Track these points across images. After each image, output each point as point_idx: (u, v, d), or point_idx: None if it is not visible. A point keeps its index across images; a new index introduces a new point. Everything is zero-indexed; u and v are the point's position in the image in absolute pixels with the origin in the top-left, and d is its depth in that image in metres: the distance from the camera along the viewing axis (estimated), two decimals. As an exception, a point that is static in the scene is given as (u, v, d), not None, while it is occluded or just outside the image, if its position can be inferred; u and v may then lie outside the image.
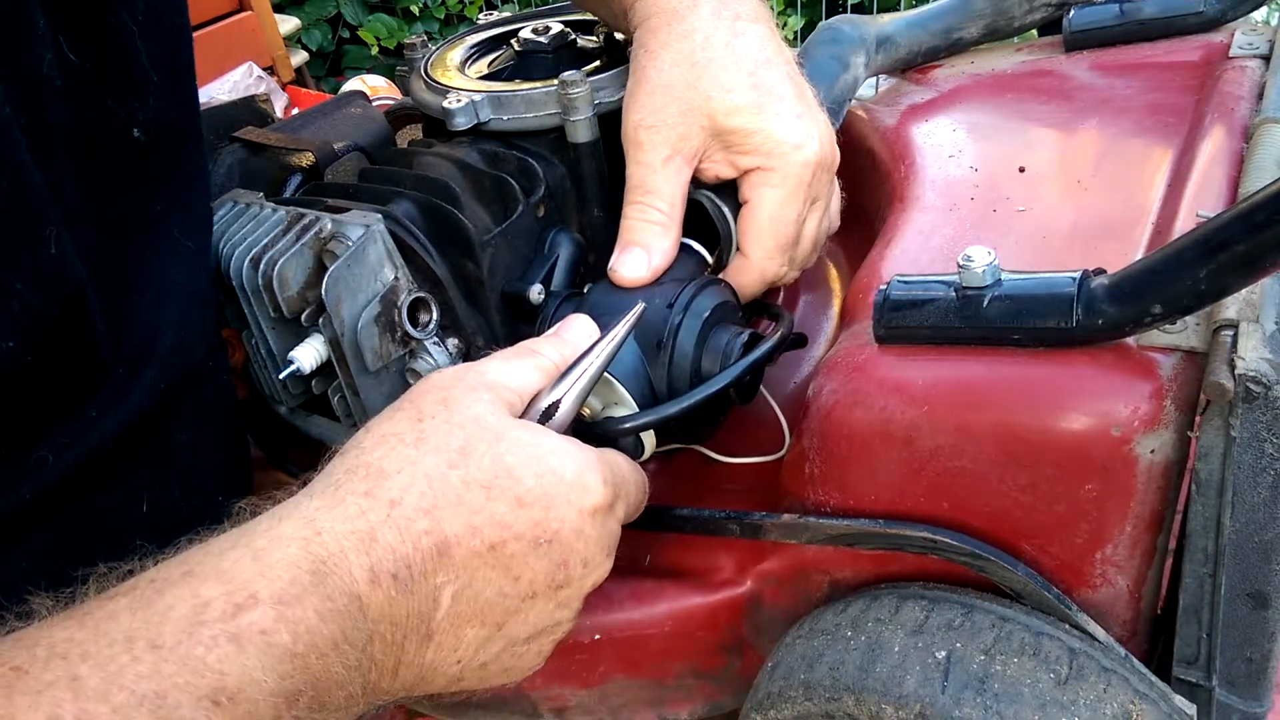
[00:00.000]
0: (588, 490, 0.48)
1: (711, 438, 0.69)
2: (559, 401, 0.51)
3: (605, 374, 0.56)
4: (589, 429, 0.58)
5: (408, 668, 0.44)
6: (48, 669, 0.34)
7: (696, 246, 0.64)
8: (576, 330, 0.57)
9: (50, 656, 0.35)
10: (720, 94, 0.59)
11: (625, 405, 0.58)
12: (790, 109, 0.60)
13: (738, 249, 0.65)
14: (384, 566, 0.41)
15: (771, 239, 0.63)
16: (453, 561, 0.43)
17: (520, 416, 0.50)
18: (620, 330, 0.54)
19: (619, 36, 0.74)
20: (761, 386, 0.67)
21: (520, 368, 0.52)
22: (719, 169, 0.63)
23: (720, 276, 0.64)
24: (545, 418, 0.51)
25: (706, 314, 0.58)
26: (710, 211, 0.63)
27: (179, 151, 0.58)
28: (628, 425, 0.56)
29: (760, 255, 0.63)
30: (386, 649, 0.42)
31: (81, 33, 0.49)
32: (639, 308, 0.56)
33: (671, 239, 0.62)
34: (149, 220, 0.56)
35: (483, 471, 0.45)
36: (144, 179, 0.55)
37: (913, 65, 0.85)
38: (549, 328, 0.62)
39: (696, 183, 0.64)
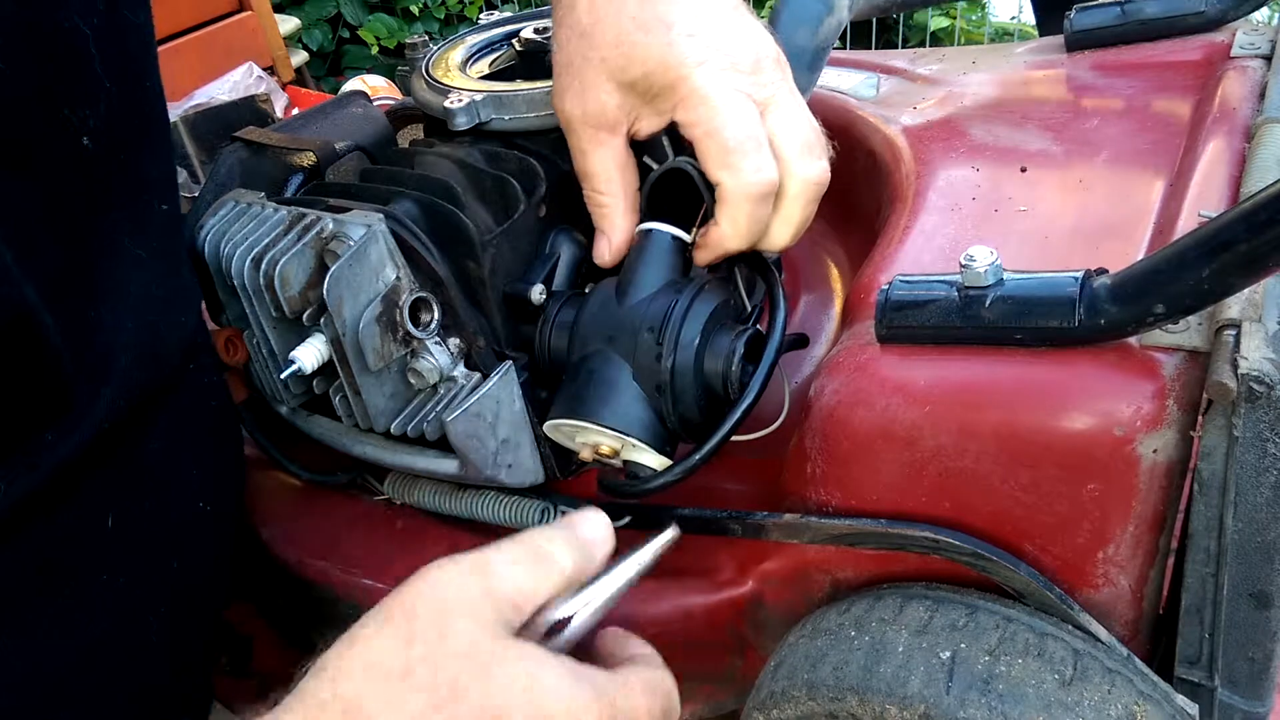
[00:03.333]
0: (527, 671, 0.42)
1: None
2: (570, 618, 0.46)
3: (615, 432, 0.56)
4: (619, 489, 0.58)
5: None
6: None
7: (672, 230, 0.62)
8: (592, 528, 0.51)
9: None
10: (610, 51, 0.57)
11: (642, 450, 0.58)
12: (681, 31, 0.56)
13: (713, 190, 0.59)
14: None
15: (734, 152, 0.56)
16: None
17: (524, 625, 0.45)
18: (647, 555, 0.50)
19: None
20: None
21: (532, 576, 0.46)
22: (649, 125, 0.60)
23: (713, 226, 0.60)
24: (552, 633, 0.46)
25: (696, 339, 0.57)
26: (693, 175, 0.59)
27: (132, 159, 0.56)
28: (655, 484, 0.56)
29: (729, 172, 0.56)
30: None
31: (28, 37, 0.47)
32: (671, 533, 0.52)
33: (621, 213, 0.61)
34: (103, 231, 0.54)
35: (471, 714, 0.41)
36: (96, 189, 0.53)
37: (893, 10, 0.84)
38: (550, 327, 0.62)
39: (656, 150, 0.62)
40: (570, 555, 0.48)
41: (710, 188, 0.59)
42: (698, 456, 0.57)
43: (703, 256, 0.61)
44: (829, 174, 0.59)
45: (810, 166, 0.58)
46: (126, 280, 0.55)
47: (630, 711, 0.45)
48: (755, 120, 0.57)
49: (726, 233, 0.58)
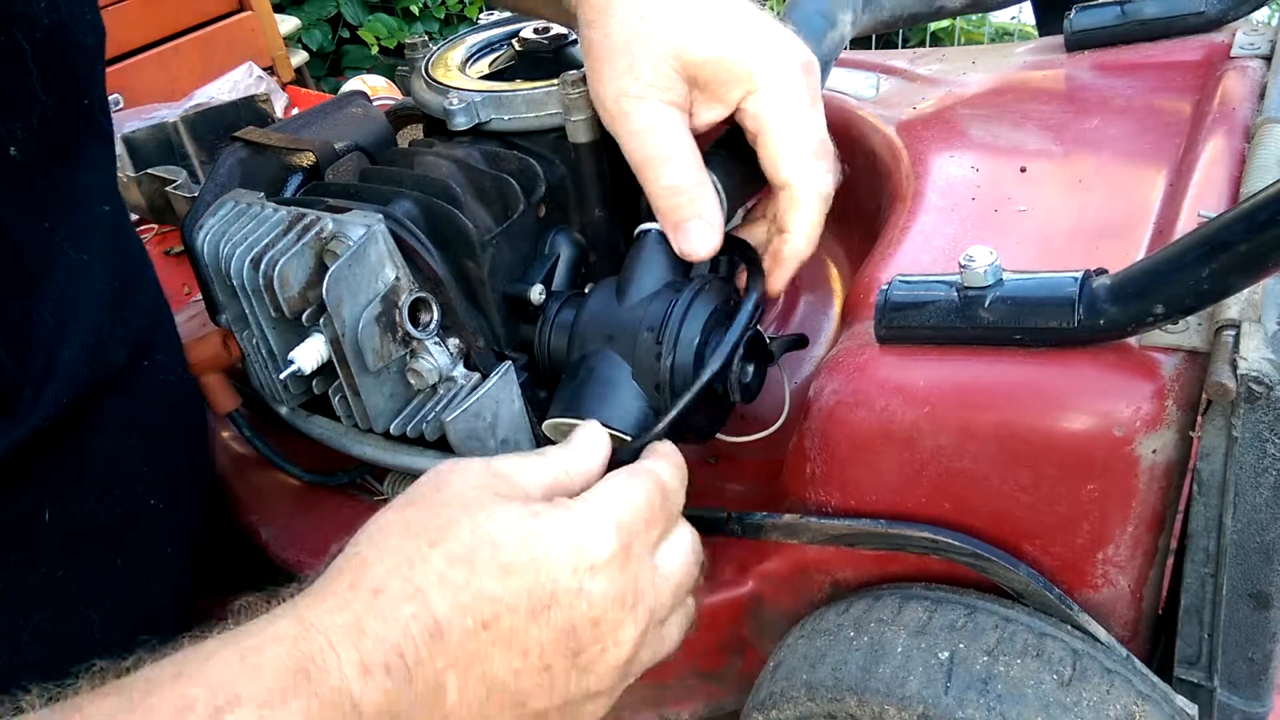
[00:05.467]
0: (582, 547, 0.44)
1: (714, 435, 0.69)
2: None
3: (615, 430, 0.56)
4: None
5: None
6: None
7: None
8: (588, 434, 0.53)
9: None
10: (680, 35, 0.55)
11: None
12: (753, 28, 0.56)
13: (771, 185, 0.59)
14: (375, 658, 0.39)
15: (806, 152, 0.56)
16: (449, 645, 0.40)
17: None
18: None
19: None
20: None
21: (528, 461, 0.49)
22: (706, 114, 0.58)
23: (771, 217, 0.59)
24: None
25: (696, 339, 0.57)
26: None
27: (67, 168, 0.57)
28: (625, 452, 0.55)
29: (804, 175, 0.56)
30: None
31: None
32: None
33: (713, 193, 0.58)
34: (38, 239, 0.55)
35: (463, 545, 0.42)
36: (27, 198, 0.54)
37: (894, 27, 0.84)
38: (549, 327, 0.62)
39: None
40: (566, 453, 0.50)
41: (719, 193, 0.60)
42: (663, 423, 0.55)
43: (781, 276, 0.60)
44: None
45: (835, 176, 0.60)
46: (67, 283, 0.56)
47: (634, 510, 0.47)
48: (819, 125, 0.57)
49: (802, 235, 0.58)
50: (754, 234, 0.65)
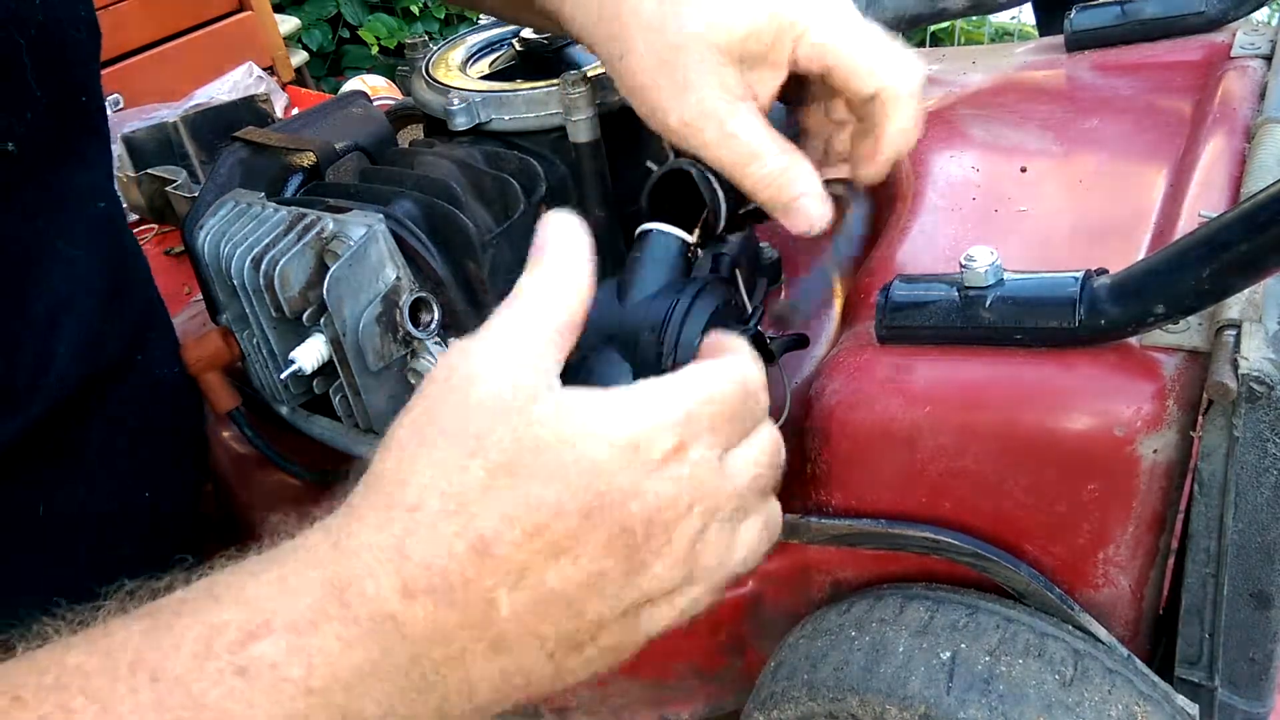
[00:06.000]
0: (636, 444, 0.40)
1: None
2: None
3: None
4: None
5: (485, 682, 0.39)
6: (45, 700, 0.33)
7: (673, 231, 0.60)
8: (556, 232, 0.48)
9: (54, 686, 0.33)
10: (709, 27, 0.51)
11: None
12: None
13: (855, 103, 0.56)
14: (418, 583, 0.37)
15: (883, 51, 0.54)
16: (496, 560, 0.38)
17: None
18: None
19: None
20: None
21: (530, 328, 0.43)
22: (770, 84, 0.54)
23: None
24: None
25: (697, 340, 0.57)
26: (694, 176, 0.58)
27: (61, 166, 0.57)
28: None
29: (891, 74, 0.54)
30: (444, 670, 0.38)
31: None
32: None
33: (804, 163, 0.55)
34: (31, 235, 0.55)
35: (503, 453, 0.39)
36: (23, 193, 0.54)
37: (895, 28, 0.85)
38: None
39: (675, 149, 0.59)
40: (541, 281, 0.46)
41: (714, 190, 0.59)
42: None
43: (878, 165, 0.56)
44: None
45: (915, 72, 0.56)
46: (60, 280, 0.56)
47: (696, 402, 0.42)
48: (880, 30, 0.54)
49: (902, 130, 0.55)
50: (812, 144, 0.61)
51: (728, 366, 0.45)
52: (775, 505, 0.47)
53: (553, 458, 0.39)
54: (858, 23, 0.54)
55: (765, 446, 0.45)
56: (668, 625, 0.43)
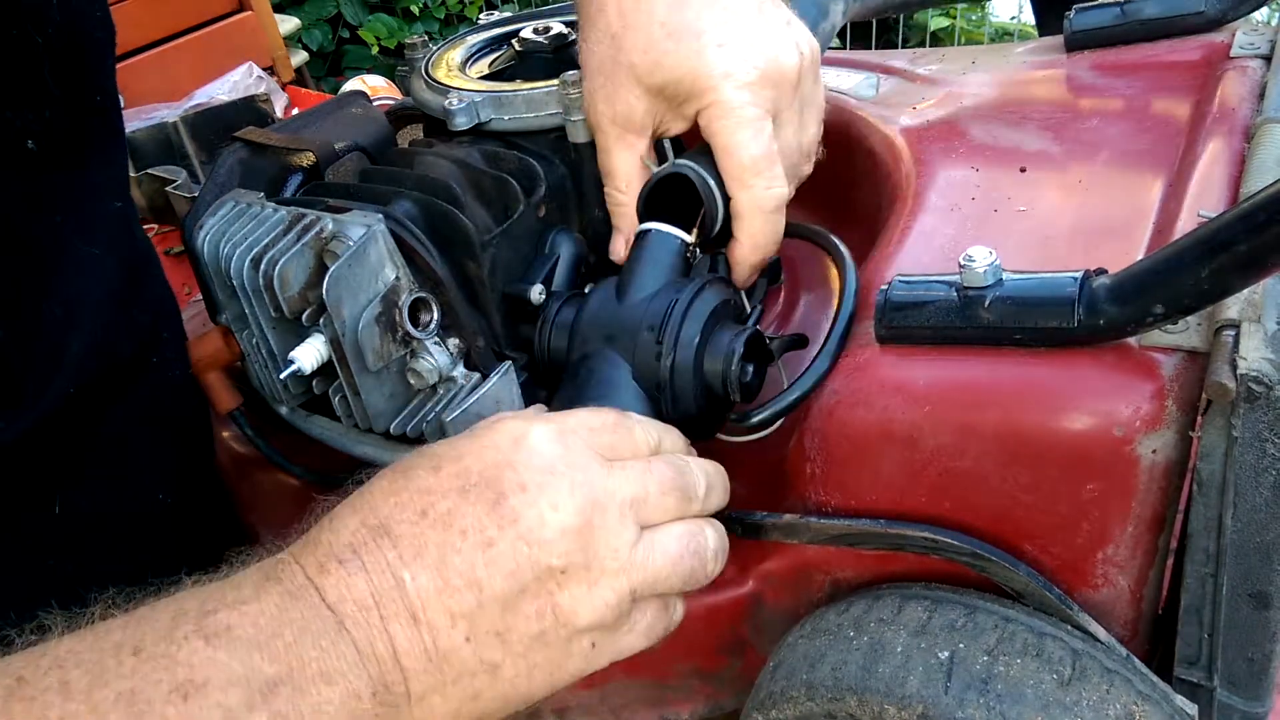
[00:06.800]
0: (507, 427, 0.47)
1: (714, 435, 0.69)
2: None
3: None
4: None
5: (413, 658, 0.43)
6: (45, 676, 0.38)
7: (672, 230, 0.62)
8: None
9: (50, 666, 0.38)
10: (640, 56, 0.58)
11: None
12: (711, 40, 0.58)
13: (728, 196, 0.62)
14: (329, 558, 0.44)
15: (749, 171, 0.59)
16: (394, 537, 0.44)
17: None
18: None
19: None
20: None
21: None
22: (675, 127, 0.62)
23: (728, 224, 0.62)
24: None
25: (696, 339, 0.57)
26: (694, 180, 0.60)
27: (79, 163, 0.57)
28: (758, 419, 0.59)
29: (747, 191, 0.60)
30: (368, 633, 0.42)
31: None
32: None
33: (633, 214, 0.64)
34: (48, 231, 0.56)
35: (402, 466, 0.47)
36: (41, 190, 0.55)
37: (886, 13, 0.85)
38: (549, 327, 0.62)
39: (657, 152, 0.64)
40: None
41: (711, 192, 0.60)
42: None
43: (741, 274, 0.64)
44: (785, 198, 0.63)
45: (802, 170, 0.65)
46: (76, 277, 0.57)
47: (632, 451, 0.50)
48: (769, 138, 0.60)
49: (745, 245, 0.62)
50: None
51: (615, 411, 0.53)
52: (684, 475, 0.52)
53: (438, 454, 0.47)
54: (751, 128, 0.59)
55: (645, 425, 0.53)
56: (595, 621, 0.46)
